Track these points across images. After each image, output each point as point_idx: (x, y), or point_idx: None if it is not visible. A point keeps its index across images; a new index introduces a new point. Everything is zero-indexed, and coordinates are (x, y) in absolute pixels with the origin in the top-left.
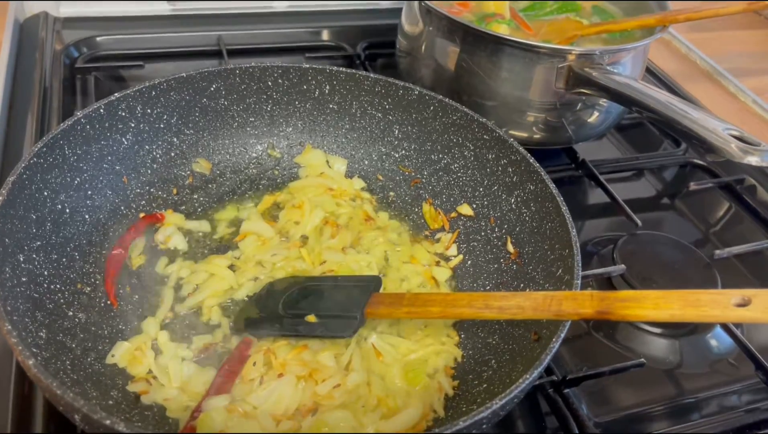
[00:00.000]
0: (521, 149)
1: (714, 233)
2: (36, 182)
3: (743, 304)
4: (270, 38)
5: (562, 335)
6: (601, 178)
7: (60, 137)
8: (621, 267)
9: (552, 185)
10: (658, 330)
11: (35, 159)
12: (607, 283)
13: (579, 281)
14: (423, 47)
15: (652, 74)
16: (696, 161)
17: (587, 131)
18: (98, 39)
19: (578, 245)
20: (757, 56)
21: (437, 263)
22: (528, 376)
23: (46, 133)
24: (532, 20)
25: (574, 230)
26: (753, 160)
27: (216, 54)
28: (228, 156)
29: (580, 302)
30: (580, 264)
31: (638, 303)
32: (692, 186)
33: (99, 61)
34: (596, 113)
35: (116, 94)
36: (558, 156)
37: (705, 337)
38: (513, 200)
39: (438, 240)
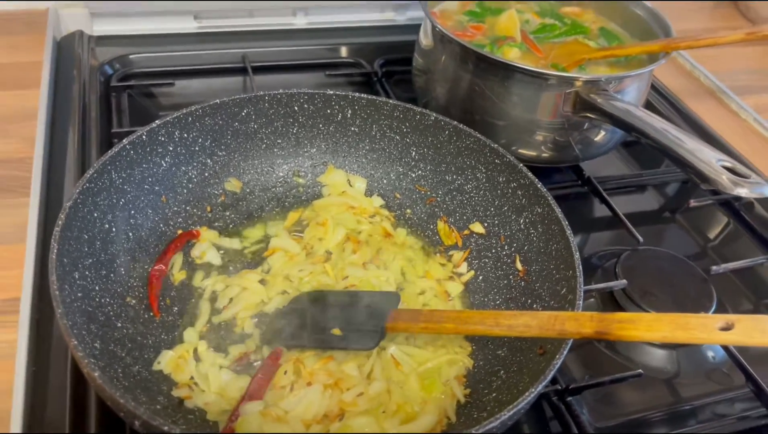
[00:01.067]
0: (530, 174)
1: (712, 248)
2: (88, 205)
3: (727, 328)
4: (292, 55)
5: (565, 352)
6: (605, 195)
7: (108, 162)
8: (623, 282)
9: (558, 209)
10: (656, 342)
11: (88, 184)
12: (609, 297)
13: (581, 301)
14: (437, 69)
15: (658, 92)
16: None
17: (593, 150)
18: (131, 57)
19: (581, 267)
20: (760, 73)
21: (450, 278)
22: (534, 389)
23: (87, 146)
24: (542, 43)
25: (578, 253)
26: (743, 192)
27: (241, 71)
28: (257, 175)
29: (581, 323)
30: (582, 286)
31: (633, 325)
32: (692, 203)
33: (132, 78)
34: (602, 133)
35: (157, 121)
36: (565, 172)
37: (701, 348)
38: (522, 221)
39: (451, 256)
